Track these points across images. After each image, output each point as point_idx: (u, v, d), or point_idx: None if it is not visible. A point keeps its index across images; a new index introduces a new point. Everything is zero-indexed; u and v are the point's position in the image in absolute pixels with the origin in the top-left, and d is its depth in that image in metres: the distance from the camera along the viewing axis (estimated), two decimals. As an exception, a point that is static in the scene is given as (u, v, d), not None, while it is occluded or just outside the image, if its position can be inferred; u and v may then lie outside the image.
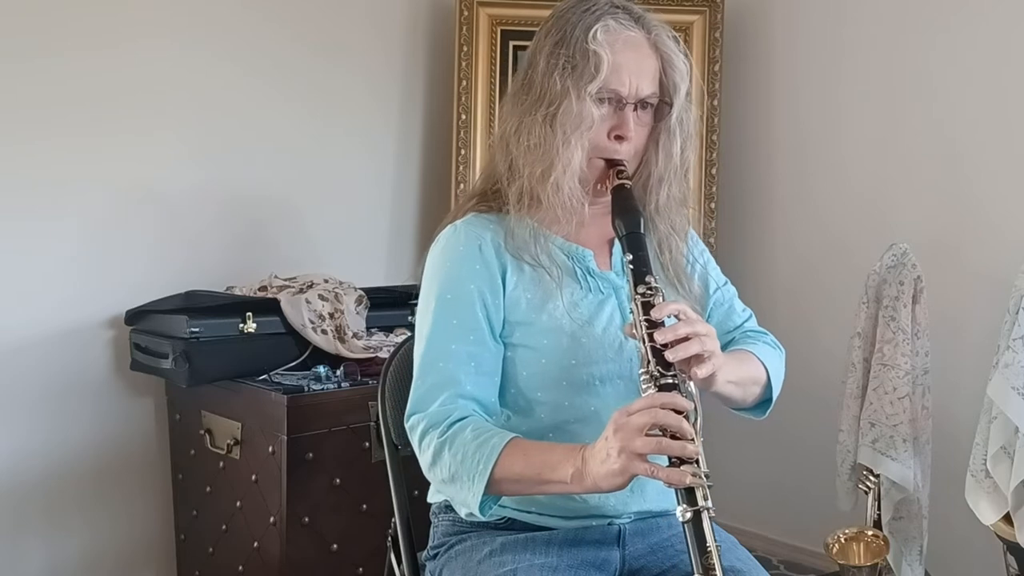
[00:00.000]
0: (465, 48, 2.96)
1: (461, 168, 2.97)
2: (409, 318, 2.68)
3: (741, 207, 3.09)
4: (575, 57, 1.34)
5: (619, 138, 1.37)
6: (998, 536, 2.05)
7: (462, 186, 2.96)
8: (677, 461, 1.16)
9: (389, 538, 1.62)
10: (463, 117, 2.97)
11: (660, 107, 1.40)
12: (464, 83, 2.97)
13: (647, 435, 1.16)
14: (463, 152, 2.97)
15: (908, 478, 2.25)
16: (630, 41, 1.36)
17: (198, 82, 2.61)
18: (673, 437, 1.16)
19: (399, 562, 1.59)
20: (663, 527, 1.43)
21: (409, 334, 1.84)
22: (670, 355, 1.22)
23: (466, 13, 2.96)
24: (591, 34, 1.34)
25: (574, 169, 1.36)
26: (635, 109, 1.37)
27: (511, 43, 2.99)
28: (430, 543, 1.50)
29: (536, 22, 2.90)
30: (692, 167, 1.49)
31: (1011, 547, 2.07)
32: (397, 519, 1.59)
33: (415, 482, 1.60)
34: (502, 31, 2.98)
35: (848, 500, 2.42)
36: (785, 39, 3.03)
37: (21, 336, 2.36)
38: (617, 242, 1.41)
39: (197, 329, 2.27)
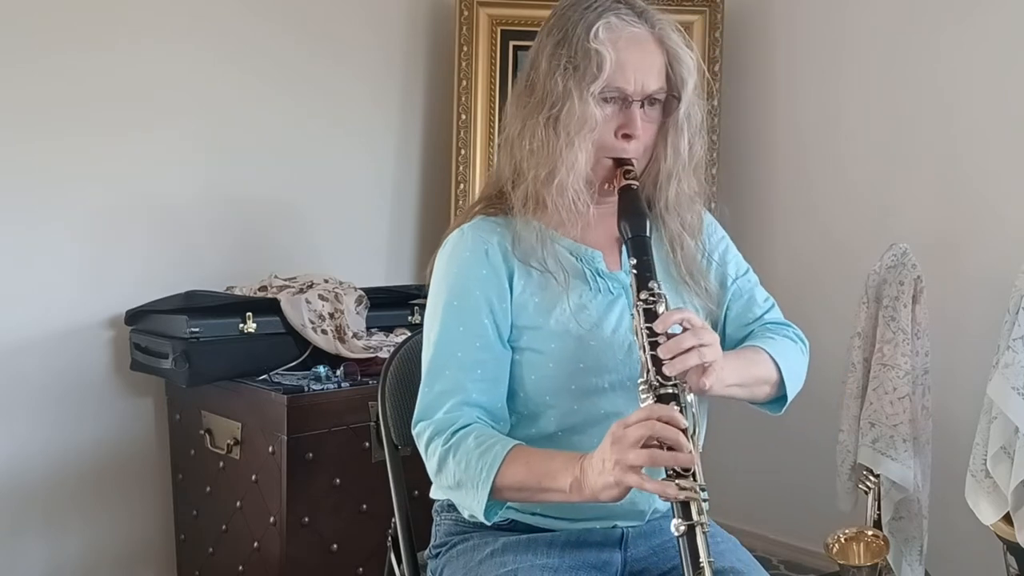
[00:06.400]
0: (465, 48, 2.96)
1: (461, 168, 2.97)
2: (409, 318, 2.68)
3: (741, 207, 3.08)
4: (577, 57, 1.31)
5: (627, 136, 1.34)
6: (998, 536, 2.05)
7: (462, 186, 2.96)
8: (673, 474, 1.15)
9: (389, 538, 1.62)
10: (463, 117, 2.97)
11: (668, 102, 1.37)
12: (464, 83, 2.96)
13: (642, 447, 1.15)
14: (463, 152, 2.97)
15: (908, 478, 2.25)
16: (634, 37, 1.33)
17: (199, 82, 2.61)
18: (669, 449, 1.15)
19: (399, 562, 1.59)
20: (666, 528, 1.40)
21: (409, 334, 1.84)
22: (667, 368, 1.21)
23: (466, 13, 2.96)
24: (593, 32, 1.31)
25: (578, 171, 1.33)
26: (642, 106, 1.34)
27: (511, 43, 2.99)
28: (432, 542, 1.50)
29: (536, 22, 2.92)
30: (702, 161, 1.45)
31: (1011, 547, 2.07)
32: (397, 519, 1.58)
33: (415, 482, 1.60)
34: (502, 31, 2.98)
35: (848, 500, 2.42)
36: (785, 39, 3.03)
37: (21, 336, 2.36)
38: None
39: (197, 329, 2.27)
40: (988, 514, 1.98)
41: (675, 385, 1.21)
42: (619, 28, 1.32)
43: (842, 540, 2.29)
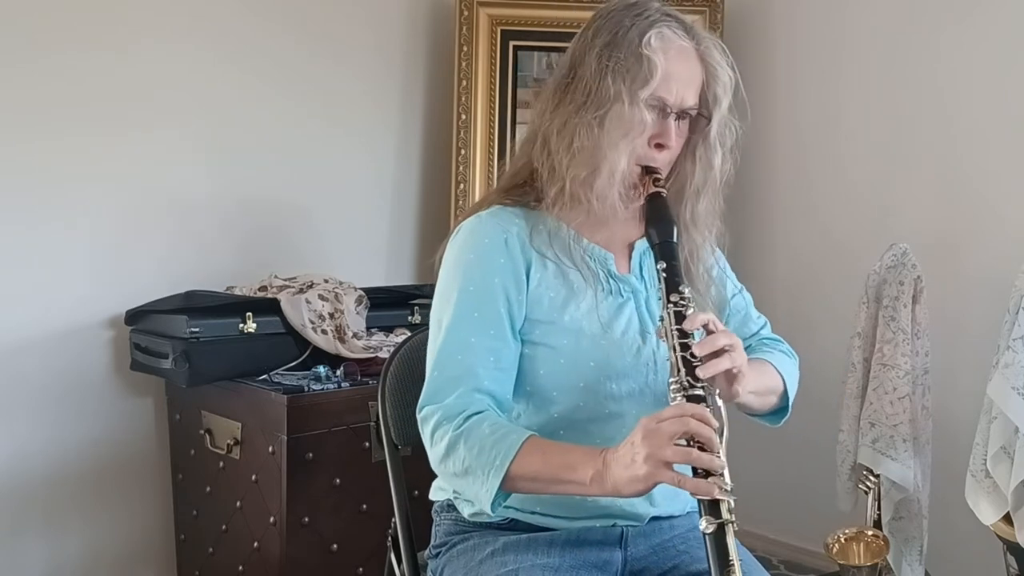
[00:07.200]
0: (465, 48, 2.96)
1: (461, 168, 2.97)
2: (409, 318, 2.68)
3: (741, 207, 3.08)
4: (628, 60, 1.33)
5: (659, 146, 1.37)
6: (998, 536, 2.05)
7: (462, 186, 2.96)
8: (703, 473, 1.17)
9: (389, 538, 1.62)
10: (463, 117, 2.97)
11: (697, 118, 1.40)
12: (464, 83, 2.97)
13: (676, 444, 1.16)
14: (463, 152, 2.97)
15: (908, 478, 2.25)
16: (682, 51, 1.36)
17: (199, 82, 2.61)
18: (700, 448, 1.17)
19: (399, 562, 1.59)
20: (665, 528, 1.44)
21: (409, 334, 1.84)
22: (701, 371, 1.23)
23: (466, 13, 2.96)
24: (646, 39, 1.33)
25: (620, 174, 1.35)
26: (676, 119, 1.37)
27: (511, 43, 2.98)
28: (432, 542, 1.49)
29: (536, 22, 2.92)
30: (728, 180, 1.49)
31: (1011, 547, 2.07)
32: (397, 519, 1.58)
33: (415, 482, 1.60)
34: (502, 31, 2.98)
35: (848, 500, 2.42)
36: (785, 39, 3.03)
37: (21, 336, 2.36)
38: (639, 247, 1.43)
39: (197, 329, 2.27)
40: (988, 514, 1.99)
41: (704, 387, 1.23)
42: (670, 39, 1.35)
43: (842, 540, 2.29)
